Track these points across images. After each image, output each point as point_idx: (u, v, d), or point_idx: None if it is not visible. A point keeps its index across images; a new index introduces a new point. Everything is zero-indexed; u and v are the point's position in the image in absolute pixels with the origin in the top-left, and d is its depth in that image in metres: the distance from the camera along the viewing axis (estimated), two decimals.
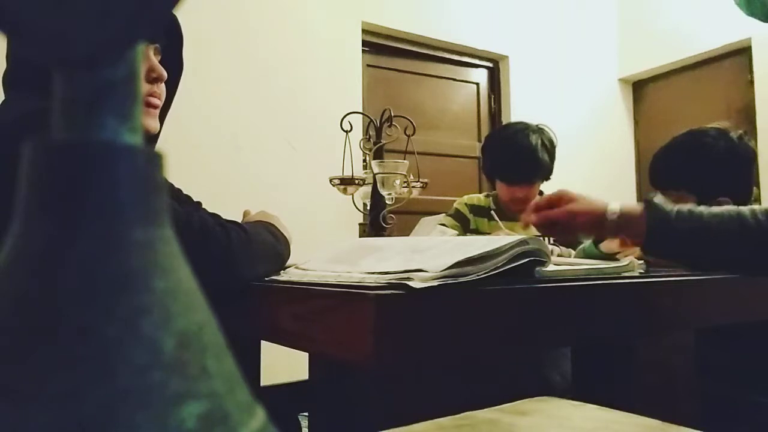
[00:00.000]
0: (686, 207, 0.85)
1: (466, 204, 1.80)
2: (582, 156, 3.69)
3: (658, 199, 0.87)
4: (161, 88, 0.89)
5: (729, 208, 0.85)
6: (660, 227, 0.78)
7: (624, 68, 3.85)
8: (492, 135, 1.78)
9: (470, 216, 1.77)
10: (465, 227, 1.74)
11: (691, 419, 0.83)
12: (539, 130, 1.70)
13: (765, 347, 1.07)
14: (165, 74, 0.87)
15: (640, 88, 3.99)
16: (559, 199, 0.90)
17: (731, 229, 0.81)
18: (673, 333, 0.84)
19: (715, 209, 0.85)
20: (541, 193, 1.79)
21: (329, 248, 0.88)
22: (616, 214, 0.85)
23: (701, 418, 0.88)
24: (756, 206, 0.86)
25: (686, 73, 3.58)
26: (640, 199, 3.99)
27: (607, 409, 0.38)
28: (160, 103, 0.89)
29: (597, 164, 3.74)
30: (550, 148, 1.70)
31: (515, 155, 1.66)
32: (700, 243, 0.80)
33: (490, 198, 1.80)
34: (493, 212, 1.69)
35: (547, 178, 1.74)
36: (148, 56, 0.87)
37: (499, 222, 1.59)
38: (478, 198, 1.82)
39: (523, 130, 1.69)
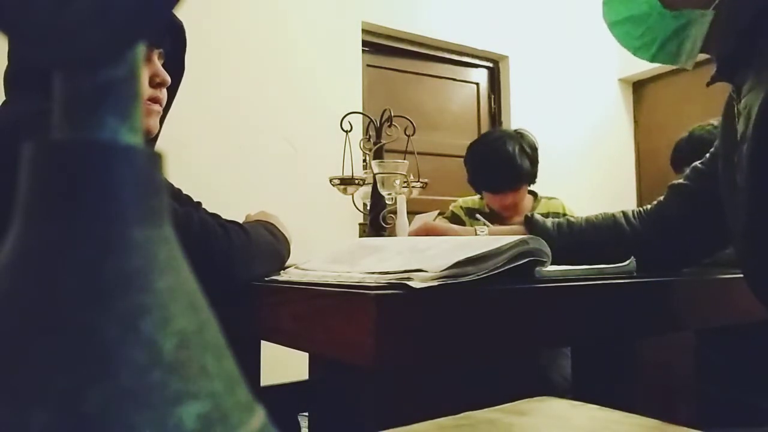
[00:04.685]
0: (565, 220, 0.95)
1: (461, 207, 1.84)
2: (582, 156, 3.69)
3: (538, 216, 0.95)
4: (164, 93, 0.89)
5: (606, 214, 0.95)
6: None
7: (624, 68, 3.85)
8: (471, 146, 1.79)
9: (466, 218, 1.79)
10: None
11: (691, 419, 0.84)
12: (518, 136, 1.70)
13: (765, 348, 1.07)
14: (169, 79, 0.88)
15: (640, 88, 3.99)
16: (430, 233, 0.99)
17: (607, 237, 0.91)
18: (673, 333, 0.84)
19: (593, 218, 0.95)
20: (534, 194, 1.81)
21: (329, 248, 0.88)
22: (485, 232, 0.97)
23: (701, 418, 0.88)
24: (632, 209, 0.96)
25: (686, 74, 3.57)
26: (640, 200, 3.99)
27: (607, 409, 0.38)
28: (161, 107, 0.89)
29: (597, 164, 3.74)
30: (531, 153, 1.69)
31: (494, 165, 1.66)
32: (580, 252, 0.87)
33: (485, 200, 1.82)
34: (479, 216, 1.71)
35: (532, 182, 1.75)
36: (153, 61, 0.87)
37: (487, 223, 1.60)
38: (473, 201, 1.85)
39: (500, 138, 1.71)
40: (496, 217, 1.74)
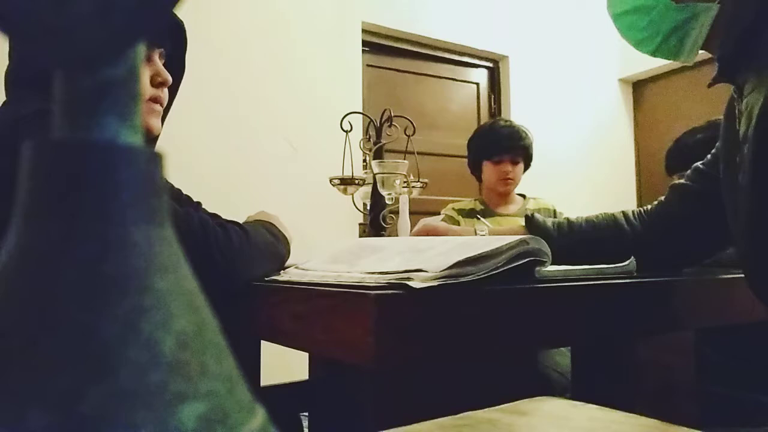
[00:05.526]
0: (565, 220, 0.95)
1: (454, 209, 1.93)
2: (582, 156, 3.69)
3: (538, 215, 0.95)
4: (165, 93, 0.89)
5: (606, 214, 0.95)
6: None
7: (624, 68, 3.85)
8: (474, 131, 1.99)
9: (459, 218, 1.85)
10: None
11: (691, 419, 0.83)
12: (517, 124, 1.92)
13: (765, 347, 1.07)
14: (170, 79, 0.88)
15: (640, 88, 3.99)
16: (431, 233, 0.98)
17: (607, 237, 0.91)
18: (673, 333, 0.84)
19: (593, 217, 0.95)
20: (523, 196, 1.86)
21: (329, 248, 0.88)
22: (485, 233, 0.98)
23: (701, 418, 0.88)
24: (632, 209, 0.96)
25: (686, 74, 3.58)
26: (640, 200, 3.98)
27: (607, 409, 0.38)
28: (162, 107, 0.89)
29: (597, 164, 3.74)
30: (529, 136, 1.89)
31: (497, 132, 1.87)
32: (580, 252, 0.87)
33: (478, 201, 1.93)
34: (478, 215, 1.76)
35: (527, 165, 1.90)
36: (154, 61, 0.87)
37: (483, 220, 1.64)
38: (465, 203, 1.95)
39: (500, 120, 1.96)
40: (490, 213, 1.84)
